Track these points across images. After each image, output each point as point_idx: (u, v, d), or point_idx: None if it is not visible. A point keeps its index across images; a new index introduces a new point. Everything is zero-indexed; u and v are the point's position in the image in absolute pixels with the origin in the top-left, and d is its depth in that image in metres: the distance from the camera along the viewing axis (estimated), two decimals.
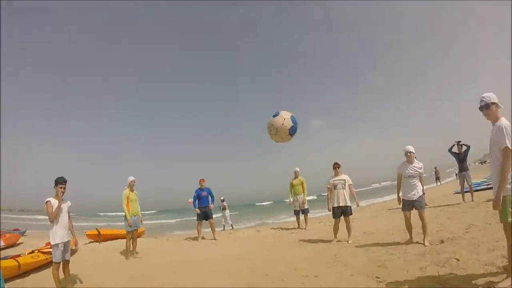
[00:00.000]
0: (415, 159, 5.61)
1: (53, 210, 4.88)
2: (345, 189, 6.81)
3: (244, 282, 4.83)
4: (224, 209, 15.53)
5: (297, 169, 9.98)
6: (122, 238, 9.76)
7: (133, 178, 7.69)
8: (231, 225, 15.27)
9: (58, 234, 4.92)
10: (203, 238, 9.70)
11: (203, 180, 9.71)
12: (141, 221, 7.86)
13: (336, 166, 6.98)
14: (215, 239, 9.46)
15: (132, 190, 7.61)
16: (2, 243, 9.35)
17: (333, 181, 6.90)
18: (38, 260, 6.46)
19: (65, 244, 5.00)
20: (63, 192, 5.02)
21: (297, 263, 5.53)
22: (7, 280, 5.40)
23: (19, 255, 6.39)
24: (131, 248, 7.58)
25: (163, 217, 35.68)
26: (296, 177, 9.95)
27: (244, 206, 51.67)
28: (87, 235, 10.55)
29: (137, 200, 7.73)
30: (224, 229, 14.45)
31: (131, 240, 7.58)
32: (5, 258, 6.13)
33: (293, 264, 5.48)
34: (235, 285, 4.75)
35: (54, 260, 4.90)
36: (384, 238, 6.36)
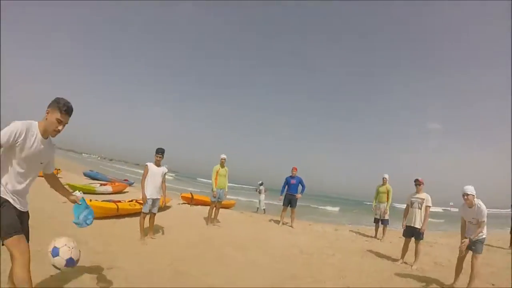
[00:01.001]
0: (475, 202, 4.79)
1: (146, 174, 6.18)
2: (421, 209, 6.30)
3: (289, 273, 5.20)
4: (260, 192, 16.02)
5: (386, 176, 9.58)
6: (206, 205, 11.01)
7: (224, 156, 8.65)
8: (264, 209, 15.44)
9: (148, 191, 6.10)
10: (284, 223, 10.22)
11: (296, 169, 10.14)
12: (226, 195, 8.78)
13: (417, 183, 6.49)
14: (292, 226, 9.97)
15: (222, 166, 8.59)
16: (110, 189, 11.72)
17: (412, 198, 6.47)
18: (134, 208, 7.98)
19: (154, 200, 6.19)
20: (159, 161, 6.23)
21: (349, 272, 5.57)
22: (105, 217, 7.06)
23: (119, 201, 8.02)
24: (213, 216, 8.67)
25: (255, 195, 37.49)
26: (383, 184, 9.57)
27: (343, 201, 51.48)
28: (181, 196, 12.35)
29: (226, 175, 8.69)
30: (257, 211, 15.05)
31: (214, 209, 8.67)
32: (109, 201, 7.81)
33: (344, 271, 5.56)
34: (279, 272, 5.16)
35: (142, 210, 6.18)
36: (451, 275, 5.40)
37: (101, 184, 12.04)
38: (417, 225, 6.25)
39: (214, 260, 5.36)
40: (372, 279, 5.30)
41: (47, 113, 2.57)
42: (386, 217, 9.37)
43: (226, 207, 12.74)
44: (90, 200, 7.04)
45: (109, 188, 11.77)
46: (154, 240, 6.23)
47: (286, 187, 10.10)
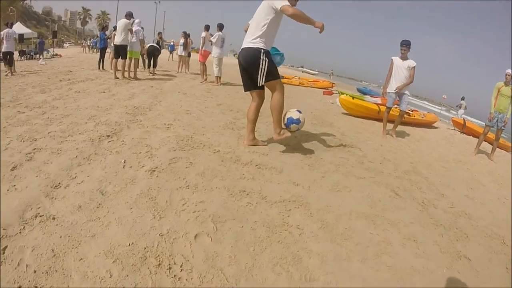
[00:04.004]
0: None
1: (390, 68, 6.40)
2: None
3: None
4: (460, 107, 16.06)
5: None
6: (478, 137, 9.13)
7: (510, 72, 6.76)
8: None
9: (392, 85, 6.39)
10: None
11: None
12: (505, 122, 6.92)
13: None
14: None
15: (507, 84, 6.80)
16: (379, 101, 11.52)
17: None
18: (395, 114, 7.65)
19: (399, 95, 6.44)
20: (404, 53, 6.27)
21: None
22: (366, 117, 7.94)
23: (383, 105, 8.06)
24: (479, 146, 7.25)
25: None
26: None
27: None
28: (452, 120, 11.27)
29: (511, 97, 6.79)
30: None
31: (485, 135, 7.22)
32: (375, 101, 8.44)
33: None
34: None
35: (386, 105, 6.56)
36: None
37: (371, 96, 12.45)
38: None
39: (462, 180, 4.68)
40: None
41: None
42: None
43: (504, 148, 9.75)
44: (353, 98, 7.81)
45: (377, 100, 11.97)
46: (397, 139, 6.40)
47: None
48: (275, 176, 3.08)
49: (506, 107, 6.76)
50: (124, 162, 2.89)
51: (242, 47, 3.65)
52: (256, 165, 3.24)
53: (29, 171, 2.54)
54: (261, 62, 3.47)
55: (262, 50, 3.49)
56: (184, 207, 2.31)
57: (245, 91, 3.87)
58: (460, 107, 16.40)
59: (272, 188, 2.80)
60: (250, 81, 3.73)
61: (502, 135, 7.36)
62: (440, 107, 34.06)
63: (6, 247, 1.70)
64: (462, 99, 16.66)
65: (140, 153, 3.16)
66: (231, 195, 2.58)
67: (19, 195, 2.18)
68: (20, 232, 1.82)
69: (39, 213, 2.01)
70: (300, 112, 3.78)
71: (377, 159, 4.48)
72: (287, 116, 3.76)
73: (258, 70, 3.50)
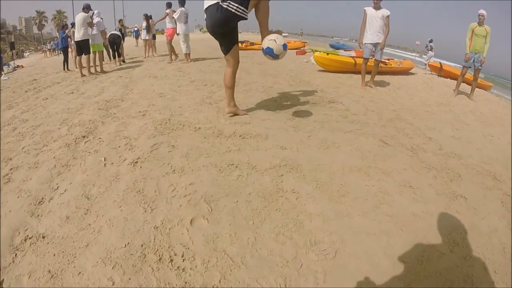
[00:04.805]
0: None
1: (364, 19, 6.23)
2: None
3: None
4: (429, 50, 16.74)
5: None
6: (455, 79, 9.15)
7: (483, 12, 6.77)
8: None
9: (367, 36, 6.26)
10: None
11: None
12: (482, 62, 6.92)
13: None
14: None
15: (480, 24, 6.82)
16: (354, 54, 11.30)
17: None
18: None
19: (374, 45, 6.24)
20: (377, 3, 6.06)
21: None
22: (342, 71, 7.78)
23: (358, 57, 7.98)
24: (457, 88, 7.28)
25: None
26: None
27: None
28: (429, 65, 11.22)
29: (487, 37, 6.85)
30: None
31: (462, 77, 7.20)
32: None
33: None
34: None
35: (363, 56, 6.44)
36: None
37: (345, 50, 12.17)
38: None
39: (446, 121, 4.70)
40: None
41: None
42: None
43: (482, 87, 10.17)
44: (327, 54, 7.68)
45: (352, 53, 11.73)
46: (377, 89, 6.33)
47: None
48: (261, 143, 3.01)
49: (481, 47, 6.78)
50: (105, 160, 2.75)
51: (205, 7, 3.31)
52: (240, 136, 3.15)
53: (9, 193, 2.37)
54: (233, 10, 3.17)
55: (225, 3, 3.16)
56: (174, 193, 2.23)
57: (225, 55, 3.62)
58: (431, 49, 16.65)
59: (260, 156, 2.73)
60: (226, 42, 3.53)
61: (479, 75, 7.37)
62: (414, 54, 33.90)
63: (2, 280, 1.60)
64: (431, 41, 16.83)
65: (119, 147, 3.03)
66: (220, 171, 2.50)
67: (4, 221, 2.05)
68: (13, 261, 1.72)
69: (28, 236, 1.89)
70: (285, 49, 3.37)
71: (361, 111, 4.43)
72: (270, 45, 3.32)
73: (236, 16, 3.20)
